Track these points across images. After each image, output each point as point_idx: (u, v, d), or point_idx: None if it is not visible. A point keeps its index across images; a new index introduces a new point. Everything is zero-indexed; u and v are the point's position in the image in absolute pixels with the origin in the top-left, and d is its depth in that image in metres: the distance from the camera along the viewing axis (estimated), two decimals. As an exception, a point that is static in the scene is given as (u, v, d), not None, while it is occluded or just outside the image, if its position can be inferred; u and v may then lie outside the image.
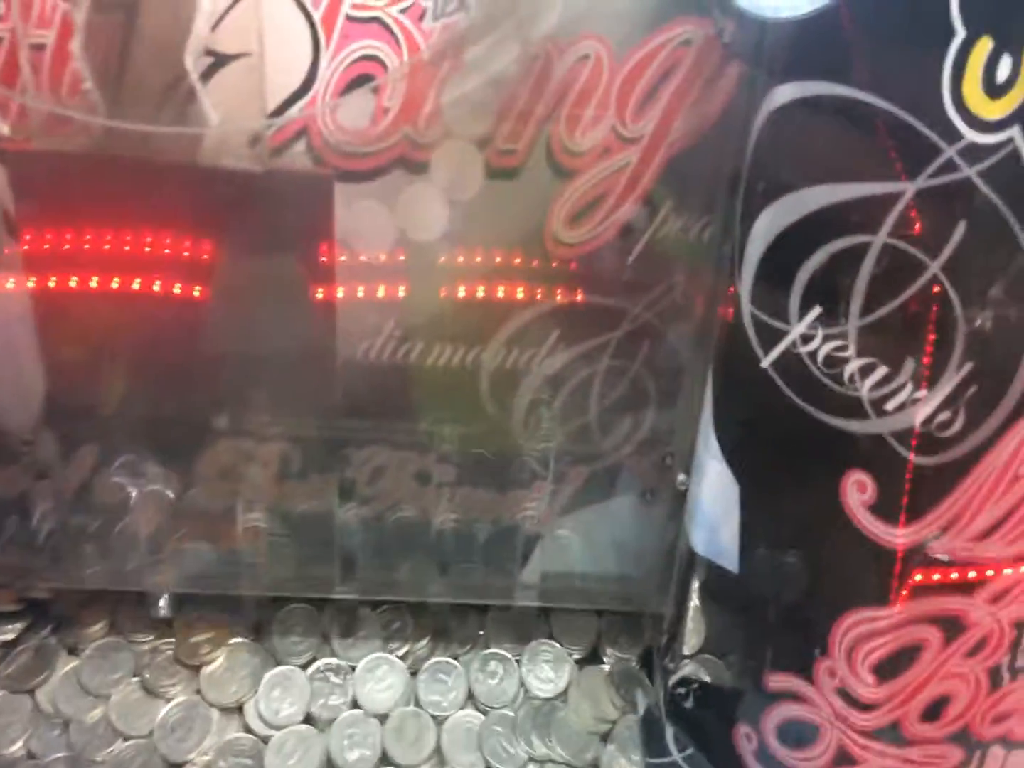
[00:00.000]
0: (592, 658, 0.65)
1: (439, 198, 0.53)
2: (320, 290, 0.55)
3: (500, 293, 0.55)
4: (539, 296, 0.56)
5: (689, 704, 0.61)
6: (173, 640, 0.63)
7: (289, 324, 0.56)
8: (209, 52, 0.48)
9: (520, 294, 0.55)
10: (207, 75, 0.49)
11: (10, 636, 0.63)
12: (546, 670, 0.64)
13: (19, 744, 0.58)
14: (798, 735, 0.53)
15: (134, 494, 0.62)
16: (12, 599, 0.64)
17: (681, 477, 0.59)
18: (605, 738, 0.62)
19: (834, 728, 0.51)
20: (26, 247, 0.54)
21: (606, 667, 0.65)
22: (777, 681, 0.53)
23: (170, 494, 0.62)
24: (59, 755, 0.58)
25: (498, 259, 0.55)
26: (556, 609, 0.67)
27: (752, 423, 0.53)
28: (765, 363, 0.49)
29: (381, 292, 0.55)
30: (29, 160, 0.52)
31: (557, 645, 0.65)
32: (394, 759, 0.60)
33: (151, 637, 0.64)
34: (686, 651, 0.61)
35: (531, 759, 0.60)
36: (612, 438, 0.61)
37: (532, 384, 0.59)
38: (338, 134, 0.51)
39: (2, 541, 0.64)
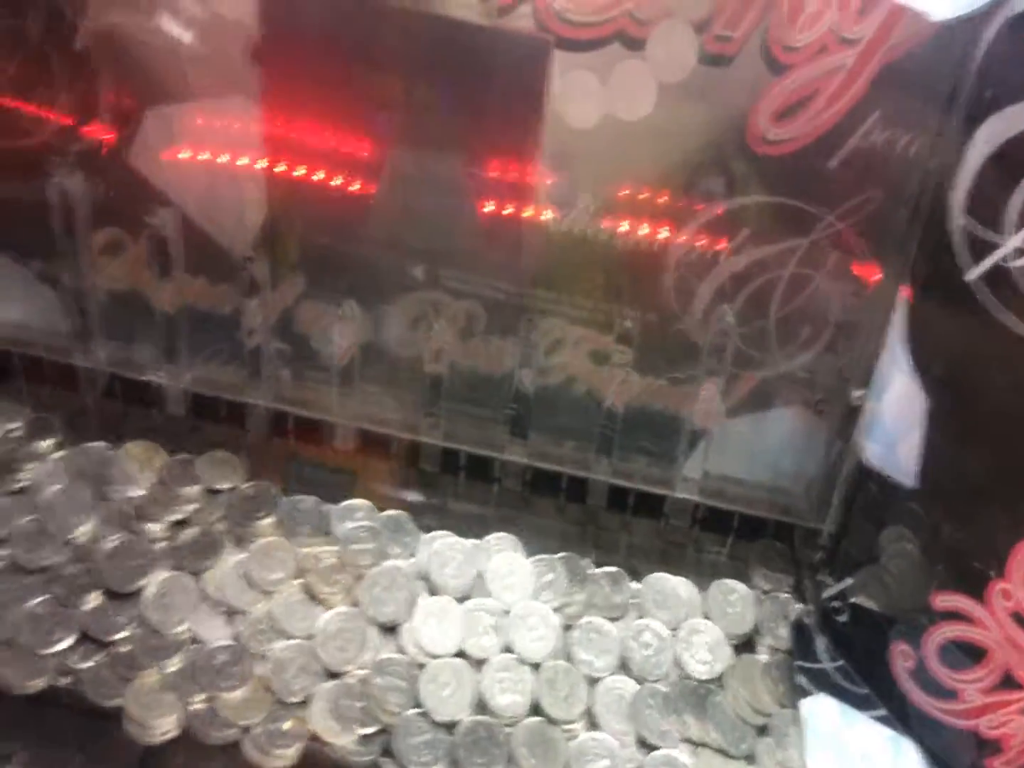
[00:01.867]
0: (747, 646, 0.66)
1: (650, 77, 0.56)
2: (520, 157, 0.59)
3: (694, 184, 0.58)
4: (734, 191, 0.58)
5: (843, 619, 0.62)
6: (336, 548, 0.66)
7: (484, 186, 0.60)
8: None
9: (714, 186, 0.57)
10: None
11: (181, 516, 0.66)
12: (702, 652, 0.64)
13: (185, 626, 0.61)
14: (962, 656, 0.54)
15: (332, 327, 0.69)
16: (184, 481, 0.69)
17: (857, 392, 0.61)
18: (761, 731, 0.61)
19: (1004, 651, 0.52)
20: (268, 80, 0.60)
21: (762, 657, 0.65)
22: (945, 600, 0.54)
23: (364, 333, 0.68)
24: (223, 643, 0.60)
25: (698, 147, 0.57)
26: (712, 591, 0.68)
27: (949, 337, 0.53)
28: (970, 276, 0.50)
29: (580, 166, 0.59)
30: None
31: (714, 627, 0.66)
32: (545, 710, 0.60)
33: (314, 542, 0.66)
34: (844, 566, 0.62)
35: (686, 739, 0.60)
36: (789, 346, 0.63)
37: (716, 279, 0.61)
38: (563, 1, 0.54)
39: (211, 352, 0.71)
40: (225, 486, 0.69)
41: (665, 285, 0.62)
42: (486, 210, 0.62)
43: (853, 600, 0.61)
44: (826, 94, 0.54)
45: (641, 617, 0.66)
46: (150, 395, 0.72)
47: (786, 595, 0.68)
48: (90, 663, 0.59)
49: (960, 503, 0.53)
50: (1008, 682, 0.52)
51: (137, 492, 0.67)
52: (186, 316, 0.70)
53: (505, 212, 0.62)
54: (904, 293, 0.55)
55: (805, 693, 0.61)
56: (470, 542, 0.67)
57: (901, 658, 0.57)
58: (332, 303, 0.68)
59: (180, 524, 0.66)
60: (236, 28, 0.59)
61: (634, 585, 0.67)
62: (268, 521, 0.67)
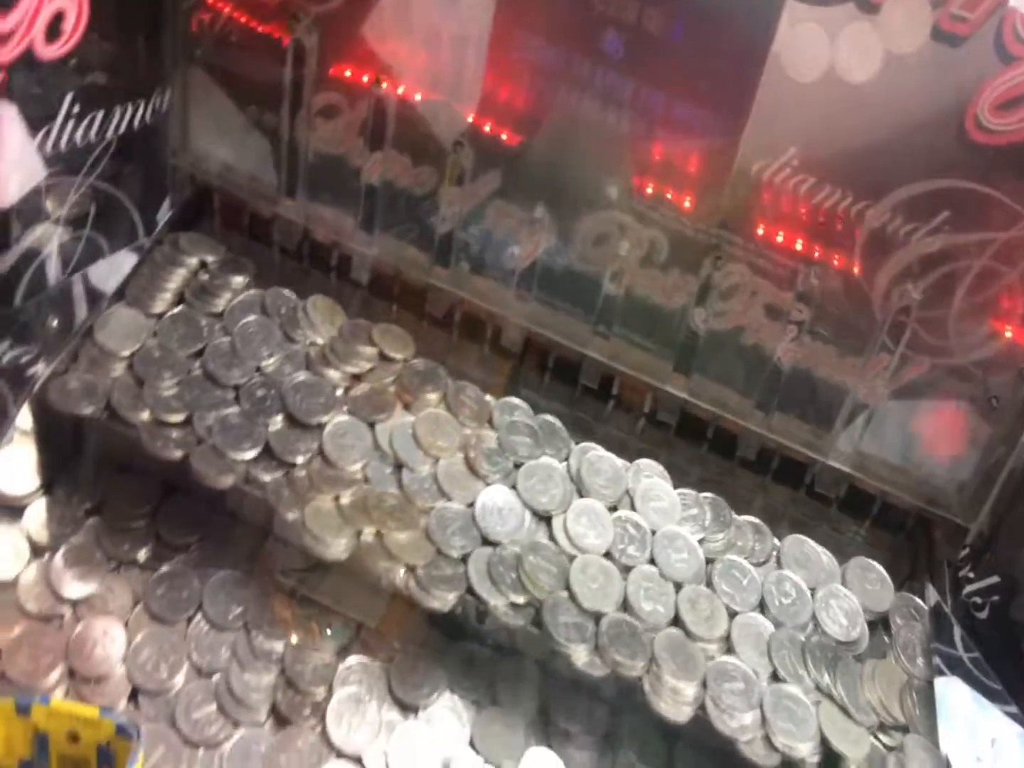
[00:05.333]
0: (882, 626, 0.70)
1: (879, 43, 0.58)
2: (734, 100, 0.62)
3: (900, 158, 0.60)
4: (940, 172, 0.60)
5: (983, 615, 0.66)
6: (497, 434, 0.74)
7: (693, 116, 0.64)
8: None
9: (921, 165, 0.60)
10: None
11: (356, 370, 0.75)
12: (840, 616, 0.70)
13: (359, 466, 0.70)
14: None
15: (515, 230, 0.74)
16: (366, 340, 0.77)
17: (1027, 394, 0.62)
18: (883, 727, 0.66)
19: None
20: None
21: (903, 670, 0.68)
22: None
23: (548, 241, 0.74)
24: (392, 490, 0.69)
25: (914, 123, 0.60)
26: (852, 564, 0.72)
27: None
28: None
29: (792, 118, 0.62)
30: None
31: (853, 598, 0.70)
32: (687, 625, 0.67)
33: (475, 424, 0.74)
34: (991, 566, 0.66)
35: (817, 687, 0.66)
36: (968, 338, 0.65)
37: (906, 257, 0.64)
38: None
39: (403, 229, 0.78)
40: (398, 356, 0.76)
41: (855, 253, 0.65)
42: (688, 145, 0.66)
43: (995, 598, 0.64)
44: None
45: (780, 569, 0.71)
46: (333, 261, 0.80)
47: (921, 588, 0.71)
48: (271, 478, 0.69)
49: None
50: None
51: (319, 340, 0.76)
52: (386, 190, 0.76)
53: (708, 152, 0.65)
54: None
55: (940, 673, 0.64)
56: (620, 461, 0.74)
57: (1035, 661, 0.59)
58: (523, 205, 0.73)
59: (356, 378, 0.75)
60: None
61: (775, 541, 0.72)
62: (435, 395, 0.75)
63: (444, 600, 0.66)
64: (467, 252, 0.76)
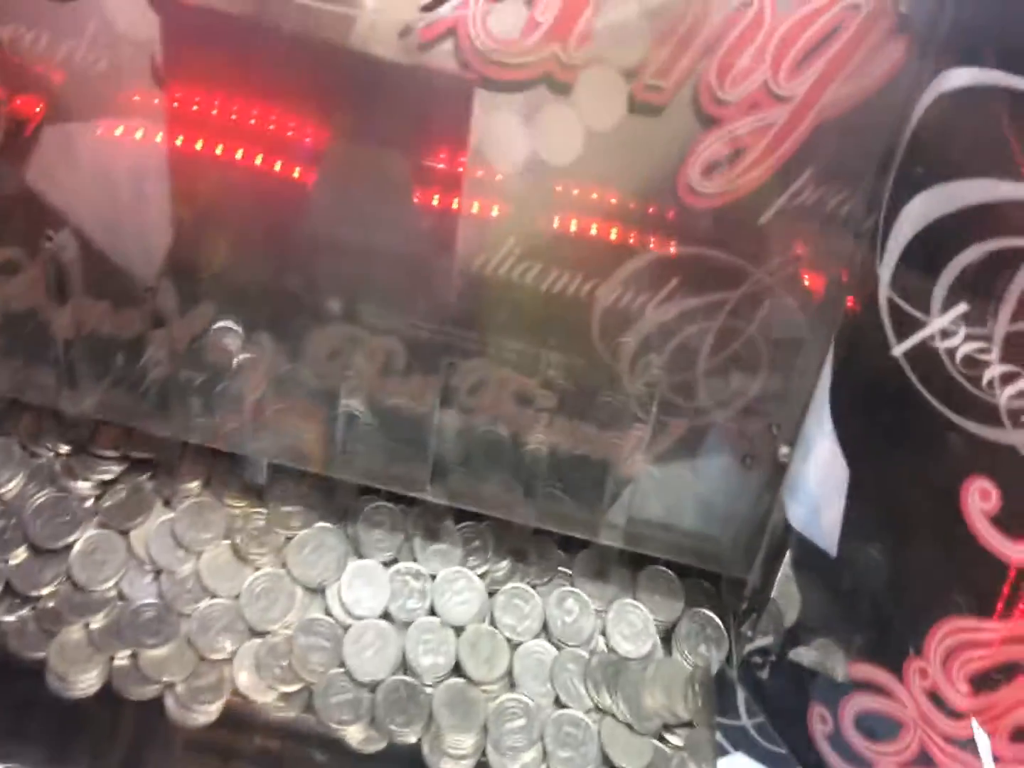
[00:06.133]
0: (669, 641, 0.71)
1: (577, 123, 0.57)
2: (444, 195, 0.61)
3: (622, 232, 0.60)
4: (663, 241, 0.60)
5: (764, 674, 0.66)
6: (264, 510, 0.71)
7: (406, 221, 0.62)
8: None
9: (643, 236, 0.60)
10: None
11: (108, 477, 0.71)
12: (628, 635, 0.70)
13: (112, 583, 0.66)
14: (878, 728, 0.57)
15: (241, 358, 0.70)
16: (112, 444, 0.73)
17: (784, 449, 0.64)
18: (667, 727, 0.66)
19: (918, 728, 0.55)
20: (172, 103, 0.61)
21: (686, 664, 0.69)
22: (862, 671, 0.58)
23: (277, 365, 0.70)
24: (149, 601, 0.66)
25: (626, 196, 0.59)
26: (642, 570, 0.72)
27: (873, 410, 0.56)
28: (897, 351, 0.53)
29: (505, 208, 0.61)
30: (183, 12, 0.59)
31: (644, 611, 0.71)
32: (467, 672, 0.66)
33: (243, 503, 0.72)
34: (767, 622, 0.66)
35: (597, 707, 0.66)
36: (717, 397, 0.65)
37: (644, 328, 0.64)
38: (487, 40, 0.56)
39: (111, 379, 0.73)
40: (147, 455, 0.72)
41: (592, 332, 0.64)
42: (409, 248, 0.64)
43: (772, 656, 0.65)
44: (758, 149, 0.56)
45: (566, 586, 0.71)
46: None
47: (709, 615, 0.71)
48: (13, 617, 0.64)
49: (879, 579, 0.56)
50: (924, 760, 0.55)
51: (64, 449, 0.71)
52: (88, 340, 0.70)
53: (428, 251, 0.64)
54: (830, 358, 0.57)
55: (724, 752, 0.64)
56: (399, 507, 0.72)
57: (819, 721, 0.60)
58: (243, 333, 0.69)
59: (108, 484, 0.71)
60: (139, 48, 0.60)
61: (561, 554, 0.72)
62: (196, 483, 0.71)
63: (208, 714, 0.62)
64: (191, 390, 0.71)
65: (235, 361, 0.70)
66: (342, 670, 0.65)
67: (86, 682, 0.63)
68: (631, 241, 0.61)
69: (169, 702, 0.63)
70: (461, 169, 0.60)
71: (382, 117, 0.60)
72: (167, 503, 0.71)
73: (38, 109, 0.63)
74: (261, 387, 0.70)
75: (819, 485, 0.59)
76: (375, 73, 0.58)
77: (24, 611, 0.64)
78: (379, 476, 0.72)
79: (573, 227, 0.61)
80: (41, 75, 0.62)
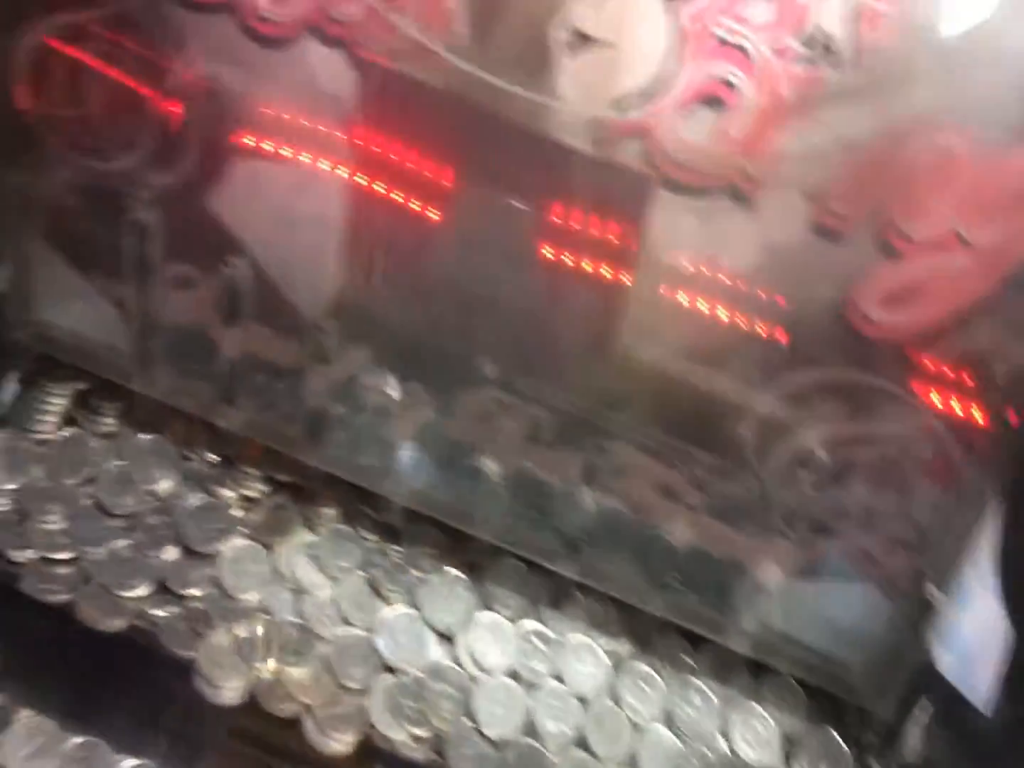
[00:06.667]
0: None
1: (755, 237, 0.57)
2: (613, 280, 0.61)
3: (789, 344, 0.59)
4: (830, 362, 0.59)
5: None
6: (399, 548, 0.73)
7: (573, 299, 0.62)
8: (576, 31, 0.54)
9: (810, 353, 0.59)
10: (571, 51, 0.55)
11: (253, 493, 0.74)
12: (752, 742, 0.69)
13: (256, 594, 0.69)
14: None
15: (393, 403, 0.71)
16: (256, 462, 0.76)
17: (933, 590, 0.62)
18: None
19: None
20: (357, 156, 0.63)
21: None
22: None
23: (426, 415, 0.71)
24: (290, 618, 0.68)
25: (796, 311, 0.59)
26: (767, 675, 0.71)
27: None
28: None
29: (672, 301, 0.60)
30: (381, 75, 0.60)
31: (771, 721, 0.70)
32: (592, 747, 0.67)
33: (379, 539, 0.74)
34: (898, 758, 0.65)
35: None
36: (865, 523, 0.64)
37: (798, 443, 0.62)
38: (676, 144, 0.56)
39: (266, 401, 0.75)
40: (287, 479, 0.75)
41: (745, 438, 0.63)
42: (571, 325, 0.64)
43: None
44: (937, 290, 0.54)
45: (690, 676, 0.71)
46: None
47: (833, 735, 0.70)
48: (165, 612, 0.67)
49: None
50: None
51: (214, 457, 0.74)
52: (249, 362, 0.72)
53: (590, 331, 0.64)
54: (997, 509, 0.55)
55: None
56: (526, 566, 0.72)
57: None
58: (399, 381, 0.70)
59: (254, 500, 0.74)
60: (333, 100, 0.62)
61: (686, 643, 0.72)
62: (336, 512, 0.74)
63: (343, 743, 0.64)
64: (342, 425, 0.73)
65: (387, 406, 0.71)
66: (471, 724, 0.66)
67: (232, 689, 0.65)
68: (796, 355, 0.60)
69: (308, 725, 0.64)
70: (632, 259, 0.60)
71: (559, 200, 0.59)
72: (309, 526, 0.73)
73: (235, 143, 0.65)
74: (407, 434, 0.71)
75: (974, 636, 0.57)
76: (561, 160, 0.58)
77: (175, 608, 0.67)
78: (511, 539, 0.72)
79: (739, 331, 0.60)
80: (241, 113, 0.64)
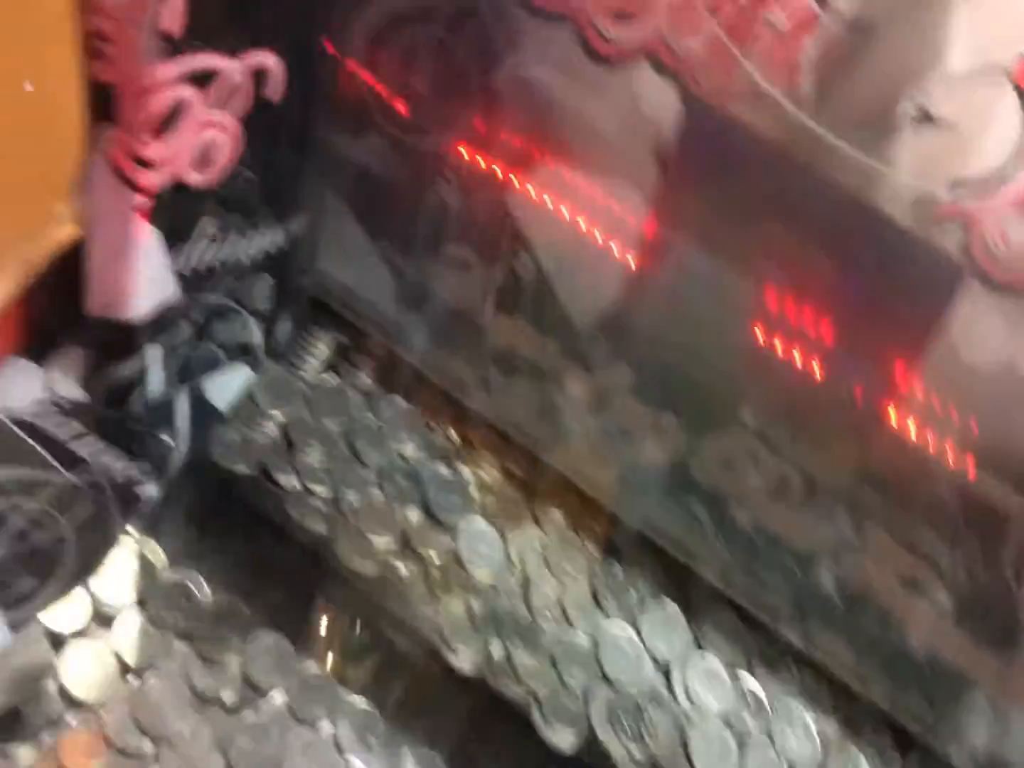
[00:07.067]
0: None
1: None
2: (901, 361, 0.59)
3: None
4: None
5: None
6: (621, 566, 0.74)
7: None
8: (921, 108, 0.53)
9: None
10: (916, 125, 0.54)
11: (489, 479, 0.76)
12: None
13: (488, 575, 0.72)
14: None
15: (639, 425, 0.71)
16: (492, 448, 0.78)
17: None
18: None
19: None
20: (668, 189, 0.62)
21: None
22: None
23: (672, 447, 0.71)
24: (519, 604, 0.71)
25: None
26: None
27: None
28: None
29: (967, 407, 0.59)
30: (708, 115, 0.60)
31: None
32: None
33: (602, 552, 0.75)
34: None
35: None
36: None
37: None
38: (999, 242, 0.53)
39: (520, 394, 0.75)
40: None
41: (1004, 548, 0.61)
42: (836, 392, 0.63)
43: None
44: None
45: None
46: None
47: None
48: (407, 571, 0.70)
49: None
50: None
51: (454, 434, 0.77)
52: (509, 355, 0.74)
53: (864, 406, 0.62)
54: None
55: None
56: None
57: None
58: (652, 407, 0.70)
59: (487, 485, 0.76)
60: (649, 123, 0.61)
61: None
62: (565, 517, 0.75)
63: (567, 741, 0.66)
64: (589, 436, 0.74)
65: (636, 428, 0.71)
66: (684, 756, 0.67)
67: (464, 657, 0.68)
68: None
69: (535, 714, 0.67)
70: (922, 342, 0.58)
71: (862, 264, 0.58)
72: (536, 521, 0.75)
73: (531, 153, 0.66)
74: (651, 459, 0.71)
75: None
76: (877, 226, 0.57)
77: (415, 566, 0.70)
78: (740, 588, 0.72)
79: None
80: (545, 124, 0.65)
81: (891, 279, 0.58)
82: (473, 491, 0.75)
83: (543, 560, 0.73)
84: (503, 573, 0.72)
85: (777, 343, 0.64)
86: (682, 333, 0.67)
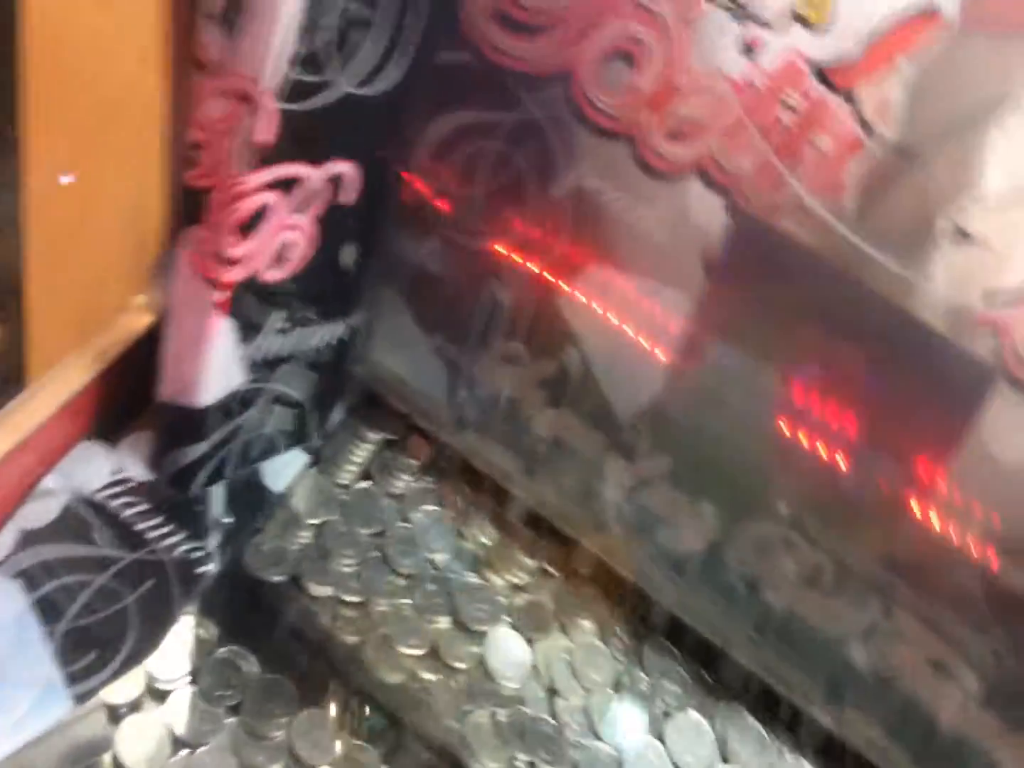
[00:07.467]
0: None
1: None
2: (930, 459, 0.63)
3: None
4: None
5: None
6: (646, 677, 0.75)
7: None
8: (958, 225, 0.57)
9: None
10: (953, 240, 0.58)
11: (519, 581, 0.78)
12: None
13: (515, 684, 0.72)
14: None
15: (681, 515, 0.74)
16: (527, 549, 0.80)
17: None
18: None
19: None
20: (714, 298, 0.66)
21: None
22: None
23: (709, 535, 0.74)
24: (545, 716, 0.71)
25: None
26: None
27: None
28: None
29: (993, 504, 0.61)
30: (753, 228, 0.64)
31: None
32: None
33: (627, 660, 0.76)
34: None
35: None
36: None
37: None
38: (1027, 349, 0.57)
39: (563, 488, 0.79)
40: (556, 572, 0.79)
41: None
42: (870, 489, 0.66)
43: None
44: None
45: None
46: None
47: None
48: (434, 678, 0.70)
49: None
50: None
51: (486, 541, 0.79)
52: (555, 445, 0.77)
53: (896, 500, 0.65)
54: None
55: None
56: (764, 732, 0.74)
57: None
58: (689, 495, 0.73)
59: (516, 588, 0.77)
60: (697, 232, 0.65)
61: None
62: (590, 623, 0.77)
63: None
64: (624, 523, 0.76)
65: (671, 514, 0.74)
66: None
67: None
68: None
69: None
70: (952, 442, 0.61)
71: (890, 372, 0.62)
72: (563, 629, 0.76)
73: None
74: (688, 545, 0.74)
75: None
76: (912, 334, 0.60)
77: (441, 677, 0.71)
78: (772, 674, 0.74)
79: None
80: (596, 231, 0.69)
81: (923, 381, 0.61)
82: (501, 598, 0.76)
83: (568, 670, 0.74)
84: (530, 682, 0.73)
85: (802, 436, 0.66)
86: (718, 426, 0.70)
